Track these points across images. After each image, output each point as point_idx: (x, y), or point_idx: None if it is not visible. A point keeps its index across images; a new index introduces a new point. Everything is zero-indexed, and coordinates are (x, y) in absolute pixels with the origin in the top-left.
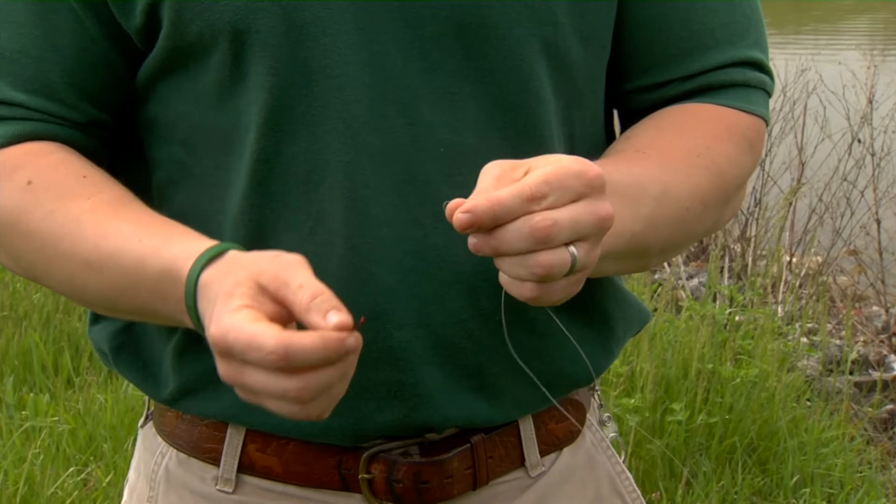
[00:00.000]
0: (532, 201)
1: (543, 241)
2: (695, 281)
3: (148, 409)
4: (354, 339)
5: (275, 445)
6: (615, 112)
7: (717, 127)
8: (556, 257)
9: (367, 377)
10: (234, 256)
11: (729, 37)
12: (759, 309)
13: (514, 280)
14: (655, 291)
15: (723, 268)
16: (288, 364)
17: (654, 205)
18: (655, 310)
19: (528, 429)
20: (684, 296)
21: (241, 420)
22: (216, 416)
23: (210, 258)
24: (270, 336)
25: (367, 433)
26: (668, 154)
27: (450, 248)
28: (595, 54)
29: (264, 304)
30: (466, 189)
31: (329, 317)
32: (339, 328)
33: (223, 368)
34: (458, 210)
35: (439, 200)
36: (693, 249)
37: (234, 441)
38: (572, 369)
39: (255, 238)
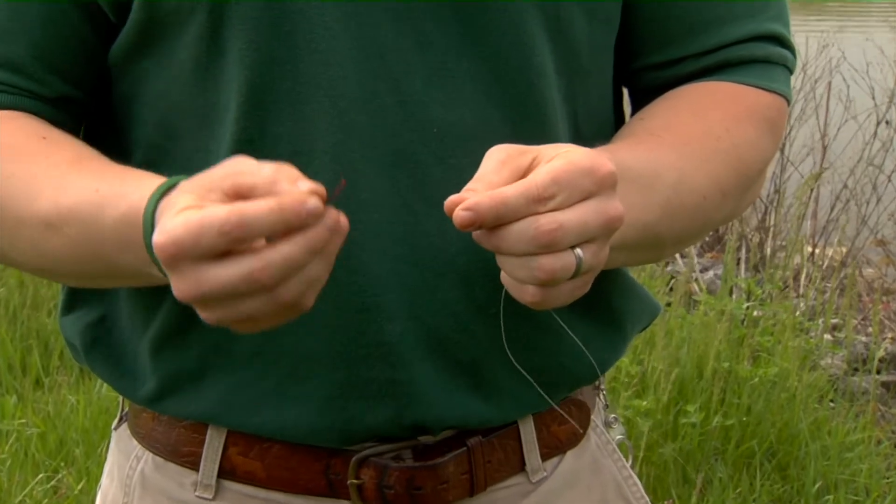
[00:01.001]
0: (539, 202)
1: (548, 246)
2: (710, 273)
3: (122, 410)
4: (316, 204)
5: (258, 449)
6: (625, 91)
7: (736, 107)
8: (560, 261)
9: (356, 374)
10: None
11: (748, 10)
12: (779, 303)
13: (517, 283)
14: (668, 285)
15: (739, 259)
16: (245, 233)
17: (670, 193)
18: (669, 304)
19: (528, 431)
20: (699, 289)
21: (223, 421)
22: (196, 417)
23: (164, 192)
24: (219, 211)
25: (357, 434)
26: (685, 138)
27: (443, 235)
28: (601, 28)
29: (214, 201)
30: (461, 172)
31: (300, 184)
32: (312, 194)
33: (177, 283)
34: (460, 207)
35: (432, 184)
36: (708, 240)
37: (214, 444)
38: (575, 366)
39: None
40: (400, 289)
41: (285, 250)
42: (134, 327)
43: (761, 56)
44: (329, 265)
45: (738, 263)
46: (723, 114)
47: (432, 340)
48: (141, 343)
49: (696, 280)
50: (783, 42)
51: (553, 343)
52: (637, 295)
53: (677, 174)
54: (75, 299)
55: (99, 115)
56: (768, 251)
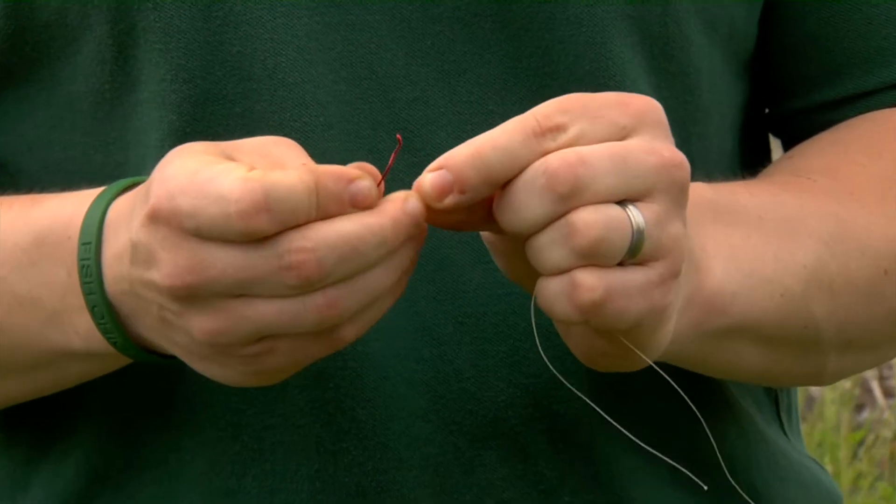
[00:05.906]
0: (543, 136)
1: (571, 192)
2: None
3: None
4: (369, 183)
5: None
6: (767, 138)
7: None
8: (601, 214)
9: None
10: None
11: None
12: None
13: (561, 285)
14: (860, 443)
15: None
16: (269, 211)
17: (824, 253)
18: (861, 476)
19: None
20: None
21: None
22: None
23: (125, 187)
24: (233, 176)
25: None
26: (851, 184)
27: (482, 377)
28: (723, 49)
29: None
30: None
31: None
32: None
33: (170, 255)
34: (426, 170)
35: (465, 294)
36: None
37: None
38: None
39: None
40: (422, 463)
41: (345, 227)
42: (11, 483)
43: None
44: (403, 275)
45: None
46: None
47: None
48: None
49: None
50: None
51: None
52: (801, 476)
53: (836, 226)
54: None
55: None
56: None
